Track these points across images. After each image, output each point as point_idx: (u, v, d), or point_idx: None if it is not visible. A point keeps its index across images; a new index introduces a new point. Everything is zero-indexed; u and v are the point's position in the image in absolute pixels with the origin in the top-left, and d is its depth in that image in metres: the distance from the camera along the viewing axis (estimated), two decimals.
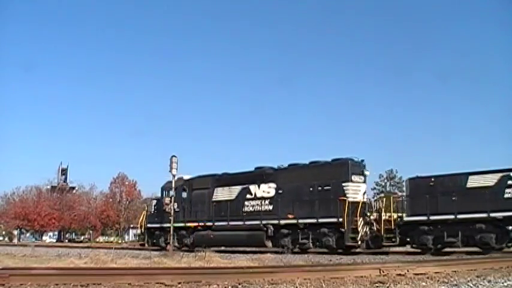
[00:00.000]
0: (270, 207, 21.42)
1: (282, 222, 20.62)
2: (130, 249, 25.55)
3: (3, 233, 62.87)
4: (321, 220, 19.40)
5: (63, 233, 60.86)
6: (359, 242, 18.51)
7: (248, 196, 22.24)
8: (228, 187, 23.12)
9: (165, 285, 6.28)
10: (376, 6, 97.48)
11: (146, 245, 26.07)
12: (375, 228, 18.81)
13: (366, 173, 20.12)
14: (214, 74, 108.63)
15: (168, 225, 23.45)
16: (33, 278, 6.34)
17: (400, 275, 7.29)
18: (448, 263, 9.27)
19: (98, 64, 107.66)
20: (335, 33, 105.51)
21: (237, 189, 22.75)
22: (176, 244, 23.56)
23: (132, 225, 63.00)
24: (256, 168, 22.71)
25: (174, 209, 22.84)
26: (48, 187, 62.73)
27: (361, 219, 18.62)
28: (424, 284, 6.61)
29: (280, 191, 21.22)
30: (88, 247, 28.14)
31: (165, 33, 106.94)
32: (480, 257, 13.06)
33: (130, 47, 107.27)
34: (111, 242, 49.72)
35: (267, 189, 21.68)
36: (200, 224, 23.53)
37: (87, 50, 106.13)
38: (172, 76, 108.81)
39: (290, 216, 20.41)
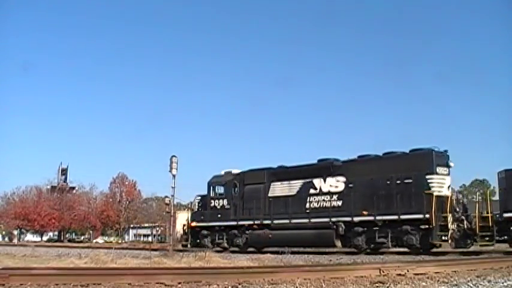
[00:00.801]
0: (339, 203, 19.36)
1: (356, 219, 18.55)
2: (131, 249, 25.54)
3: (3, 233, 62.85)
4: (403, 217, 17.37)
5: (63, 233, 60.89)
6: (449, 241, 16.77)
7: (312, 191, 20.15)
8: (287, 181, 21.00)
9: (165, 285, 6.28)
10: (376, 6, 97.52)
11: (188, 245, 23.88)
12: (465, 226, 16.97)
13: (451, 164, 17.99)
14: (214, 74, 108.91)
15: (216, 223, 22.22)
16: (33, 278, 6.33)
17: (400, 275, 7.29)
18: (448, 263, 9.26)
19: (98, 64, 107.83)
20: (335, 31, 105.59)
21: (298, 183, 20.63)
22: (225, 244, 22.32)
23: (132, 225, 63.09)
24: (320, 161, 20.70)
25: (224, 206, 21.88)
26: (48, 187, 62.76)
27: (450, 215, 16.84)
28: (424, 284, 6.60)
29: (350, 185, 19.22)
30: (88, 247, 28.12)
31: (165, 33, 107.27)
32: (480, 257, 13.06)
33: (130, 47, 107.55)
34: (110, 242, 49.69)
35: (335, 183, 19.62)
36: (256, 222, 21.46)
37: (87, 50, 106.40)
38: (173, 76, 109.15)
39: (365, 212, 18.42)
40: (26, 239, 60.57)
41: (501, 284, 6.57)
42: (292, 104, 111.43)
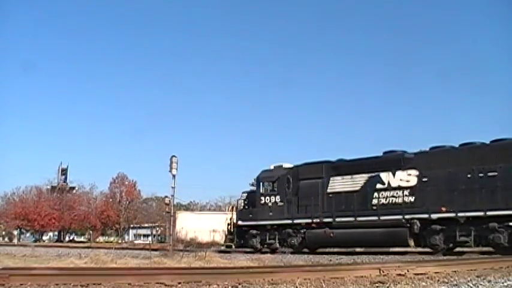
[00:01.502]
0: (412, 199, 17.71)
1: (434, 216, 16.90)
2: (131, 249, 25.51)
3: (3, 233, 62.89)
4: (489, 213, 15.73)
5: (63, 233, 60.92)
6: None
7: (379, 186, 18.48)
8: (349, 176, 19.22)
9: (165, 285, 6.27)
10: (376, 7, 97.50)
11: (233, 246, 22.47)
12: None
13: None
14: (214, 74, 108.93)
15: (268, 222, 20.64)
16: (33, 278, 6.33)
17: (400, 275, 7.28)
18: (448, 263, 9.26)
19: (98, 64, 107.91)
20: (336, 31, 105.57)
21: (362, 178, 18.93)
22: (277, 245, 20.68)
23: (132, 225, 63.12)
24: (386, 153, 19.10)
25: (276, 203, 20.44)
26: (48, 187, 62.83)
27: None
28: (424, 284, 6.60)
29: (424, 179, 17.55)
30: (88, 247, 28.11)
31: (165, 33, 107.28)
32: (480, 257, 13.05)
33: (130, 47, 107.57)
34: (111, 242, 49.70)
35: (406, 177, 17.96)
36: (315, 220, 19.73)
37: (87, 51, 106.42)
38: (173, 76, 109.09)
39: (443, 208, 16.83)
40: (31, 239, 60.54)
41: (501, 284, 6.56)
42: (292, 105, 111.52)
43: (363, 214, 18.46)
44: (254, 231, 21.48)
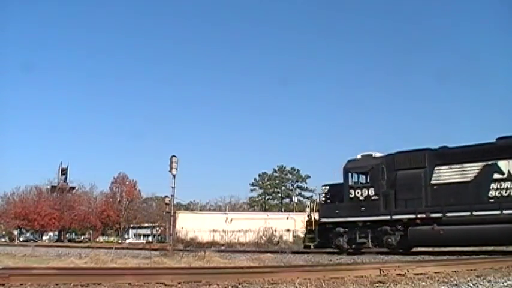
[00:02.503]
0: None
1: None
2: (131, 249, 25.49)
3: (3, 233, 62.91)
4: None
5: (63, 232, 60.93)
6: None
7: (497, 176, 16.34)
8: (458, 165, 17.01)
9: (165, 285, 6.27)
10: (375, 8, 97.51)
11: (312, 246, 20.16)
12: None
13: None
14: (213, 75, 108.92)
15: (360, 218, 18.44)
16: (33, 278, 6.33)
17: (400, 275, 7.28)
18: (448, 263, 9.26)
19: (98, 65, 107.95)
20: (336, 31, 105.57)
21: (474, 167, 16.79)
22: (369, 244, 18.49)
23: (132, 225, 63.14)
24: (501, 139, 16.91)
25: (369, 197, 18.35)
26: (48, 187, 62.84)
27: None
28: (424, 284, 6.60)
29: None
30: (88, 247, 28.10)
31: (165, 35, 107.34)
32: (480, 257, 13.03)
33: (130, 48, 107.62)
34: (111, 242, 49.69)
35: None
36: (420, 216, 17.31)
37: (87, 51, 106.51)
38: (172, 77, 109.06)
39: None
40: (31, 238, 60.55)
41: (501, 284, 6.56)
42: (293, 105, 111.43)
43: (479, 208, 16.22)
44: (341, 230, 18.97)
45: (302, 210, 71.66)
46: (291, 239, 39.81)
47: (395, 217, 17.84)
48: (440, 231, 16.68)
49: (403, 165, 18.16)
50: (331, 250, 19.14)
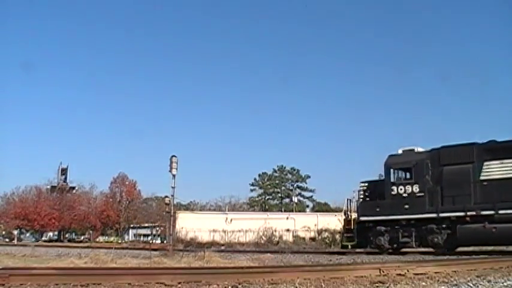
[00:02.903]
0: None
1: None
2: (131, 249, 25.49)
3: (3, 233, 62.90)
4: None
5: (63, 232, 60.92)
6: None
7: None
8: (509, 160, 16.40)
9: (165, 285, 6.27)
10: (376, 8, 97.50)
11: (349, 246, 19.35)
12: None
13: None
14: (213, 74, 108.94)
15: (404, 216, 17.62)
16: (33, 278, 6.33)
17: (400, 275, 7.28)
18: (448, 263, 9.26)
19: (98, 64, 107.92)
20: (335, 31, 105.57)
21: None
22: (413, 244, 17.68)
23: (132, 225, 63.12)
24: None
25: (413, 194, 17.59)
26: (48, 187, 62.78)
27: None
28: (424, 284, 6.60)
29: None
30: (88, 247, 28.09)
31: (165, 34, 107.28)
32: (480, 257, 13.04)
33: (130, 47, 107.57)
34: (111, 241, 49.66)
35: None
36: (469, 213, 16.58)
37: (87, 51, 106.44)
38: (172, 77, 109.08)
39: None
40: (31, 239, 60.48)
41: (501, 284, 6.56)
42: (292, 106, 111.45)
43: None
44: (382, 228, 18.22)
45: (302, 210, 72.00)
46: (291, 239, 39.83)
47: (442, 215, 17.08)
48: (493, 229, 15.98)
49: (449, 161, 17.41)
50: (370, 250, 18.50)
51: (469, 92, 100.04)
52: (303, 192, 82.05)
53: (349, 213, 19.78)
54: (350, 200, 20.25)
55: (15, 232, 59.24)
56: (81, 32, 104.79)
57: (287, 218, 46.73)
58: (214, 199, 69.43)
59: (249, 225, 41.32)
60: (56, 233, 62.33)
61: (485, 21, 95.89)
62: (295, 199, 74.59)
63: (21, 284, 6.07)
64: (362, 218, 18.83)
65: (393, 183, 18.30)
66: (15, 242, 50.67)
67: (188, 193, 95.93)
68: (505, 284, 6.60)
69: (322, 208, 72.18)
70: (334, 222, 36.85)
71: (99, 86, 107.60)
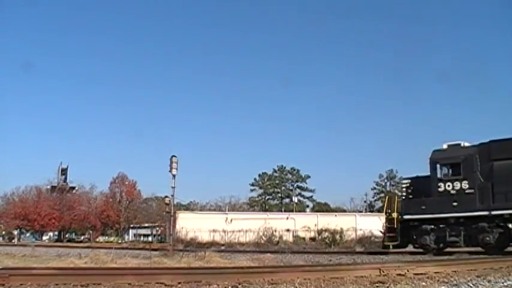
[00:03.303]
0: None
1: None
2: (131, 249, 25.50)
3: (3, 233, 62.92)
4: None
5: (63, 233, 60.90)
6: None
7: None
8: None
9: (165, 285, 6.28)
10: (376, 9, 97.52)
11: (391, 246, 18.25)
12: None
13: None
14: (214, 74, 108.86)
15: (451, 214, 16.67)
16: (33, 278, 6.34)
17: (400, 275, 7.28)
18: (448, 263, 9.26)
19: (98, 64, 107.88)
20: (336, 31, 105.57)
21: None
22: (461, 243, 16.73)
23: (132, 225, 63.12)
24: None
25: (462, 191, 16.59)
26: (48, 187, 62.75)
27: None
28: (424, 284, 6.60)
29: None
30: (88, 247, 28.09)
31: (166, 34, 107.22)
32: (480, 257, 13.04)
33: (130, 47, 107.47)
34: (111, 242, 49.66)
35: None
36: None
37: (86, 50, 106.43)
38: (172, 77, 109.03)
39: None
40: (31, 238, 60.43)
41: (501, 284, 6.57)
42: (293, 105, 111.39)
43: None
44: (428, 227, 17.31)
45: (302, 210, 71.99)
46: (291, 239, 39.83)
47: (494, 212, 16.10)
48: None
49: (500, 155, 16.40)
50: (414, 250, 17.79)
51: (469, 92, 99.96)
52: (303, 192, 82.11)
53: (390, 210, 18.84)
54: (389, 197, 19.60)
55: (15, 232, 59.23)
56: (80, 34, 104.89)
57: (287, 218, 46.72)
58: (214, 199, 69.40)
59: (249, 225, 41.32)
60: (56, 233, 62.33)
61: (486, 20, 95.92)
62: (295, 199, 74.58)
63: (21, 284, 6.07)
64: (406, 217, 17.84)
65: (440, 180, 17.30)
66: (15, 242, 50.70)
67: (188, 193, 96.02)
68: (505, 284, 6.60)
69: (322, 208, 72.21)
70: (334, 222, 37.05)
71: (99, 85, 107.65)
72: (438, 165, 17.47)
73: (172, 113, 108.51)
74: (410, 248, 18.26)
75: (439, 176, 17.39)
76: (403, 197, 18.65)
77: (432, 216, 17.20)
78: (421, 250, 17.32)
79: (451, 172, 17.22)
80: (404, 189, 18.90)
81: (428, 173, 17.77)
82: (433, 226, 17.29)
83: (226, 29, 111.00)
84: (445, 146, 18.05)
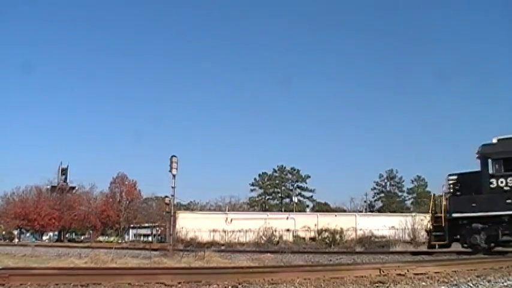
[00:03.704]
0: None
1: None
2: (131, 249, 25.49)
3: (3, 233, 62.93)
4: None
5: (63, 232, 60.90)
6: None
7: None
8: None
9: (165, 285, 6.28)
10: (376, 8, 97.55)
11: (437, 245, 17.29)
12: None
13: None
14: (214, 74, 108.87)
15: (506, 212, 15.83)
16: (33, 278, 6.34)
17: (400, 275, 7.29)
18: (448, 263, 9.26)
19: (98, 64, 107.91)
20: (336, 31, 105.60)
21: None
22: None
23: (132, 225, 63.12)
24: None
25: None
26: (48, 187, 62.73)
27: None
28: (424, 284, 6.60)
29: None
30: (88, 247, 28.10)
31: (165, 34, 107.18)
32: (480, 257, 13.04)
33: (130, 47, 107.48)
34: (111, 241, 49.65)
35: None
36: None
37: (86, 51, 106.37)
38: (173, 77, 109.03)
39: None
40: (31, 238, 60.41)
41: (501, 284, 6.57)
42: (293, 105, 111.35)
43: None
44: (479, 226, 16.32)
45: (302, 210, 71.99)
46: (291, 239, 39.84)
47: None
48: None
49: None
50: (462, 250, 16.87)
51: (468, 92, 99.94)
52: (303, 192, 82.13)
53: (435, 208, 18.07)
54: (433, 195, 18.72)
55: (16, 232, 59.22)
56: (80, 34, 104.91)
57: (287, 218, 46.74)
58: (214, 199, 69.42)
59: (249, 225, 41.33)
60: (56, 233, 62.32)
61: (486, 20, 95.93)
62: (295, 199, 74.62)
63: (21, 284, 6.07)
64: (455, 215, 16.80)
65: (492, 176, 16.26)
66: (15, 242, 50.70)
67: (188, 193, 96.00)
68: (505, 284, 6.61)
69: (322, 208, 72.22)
70: (334, 222, 37.07)
71: (99, 86, 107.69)
72: (490, 161, 16.44)
73: (173, 113, 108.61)
74: (454, 247, 17.33)
75: (491, 171, 16.37)
76: (450, 194, 17.59)
77: (484, 214, 16.19)
78: (469, 250, 16.61)
79: (504, 167, 16.19)
80: (451, 185, 17.75)
81: (474, 169, 16.95)
82: (484, 225, 16.32)
83: (226, 29, 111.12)
84: (494, 140, 16.86)
